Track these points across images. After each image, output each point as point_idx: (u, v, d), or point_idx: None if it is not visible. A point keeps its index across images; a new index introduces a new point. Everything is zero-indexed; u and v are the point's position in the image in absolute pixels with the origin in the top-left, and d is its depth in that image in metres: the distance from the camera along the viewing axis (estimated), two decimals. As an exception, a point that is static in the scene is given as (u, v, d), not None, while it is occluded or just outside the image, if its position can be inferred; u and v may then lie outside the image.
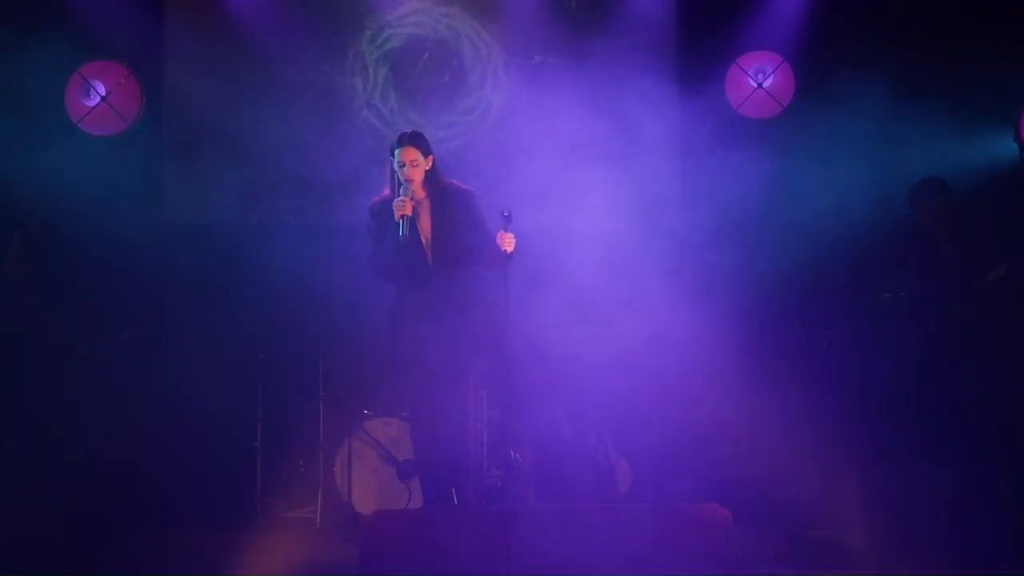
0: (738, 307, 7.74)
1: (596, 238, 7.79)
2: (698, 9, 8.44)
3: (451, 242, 6.21)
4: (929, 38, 8.22)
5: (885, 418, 7.10)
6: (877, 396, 7.18)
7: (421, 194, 6.21)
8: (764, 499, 6.91)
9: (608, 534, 5.48)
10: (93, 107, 8.02)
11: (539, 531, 5.46)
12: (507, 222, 6.17)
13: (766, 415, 7.41)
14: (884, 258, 7.33)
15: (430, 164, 6.21)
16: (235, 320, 7.72)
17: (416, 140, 6.20)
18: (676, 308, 7.43)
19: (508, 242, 6.15)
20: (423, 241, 6.21)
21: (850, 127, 8.02)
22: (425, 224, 6.22)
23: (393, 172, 6.23)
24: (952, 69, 8.13)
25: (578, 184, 7.80)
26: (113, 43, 8.02)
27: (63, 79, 7.95)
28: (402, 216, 6.08)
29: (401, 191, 6.16)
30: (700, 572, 5.38)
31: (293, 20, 8.18)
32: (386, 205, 6.22)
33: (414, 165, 6.16)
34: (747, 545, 5.99)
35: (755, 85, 8.47)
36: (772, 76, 8.45)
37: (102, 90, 8.03)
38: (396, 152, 6.18)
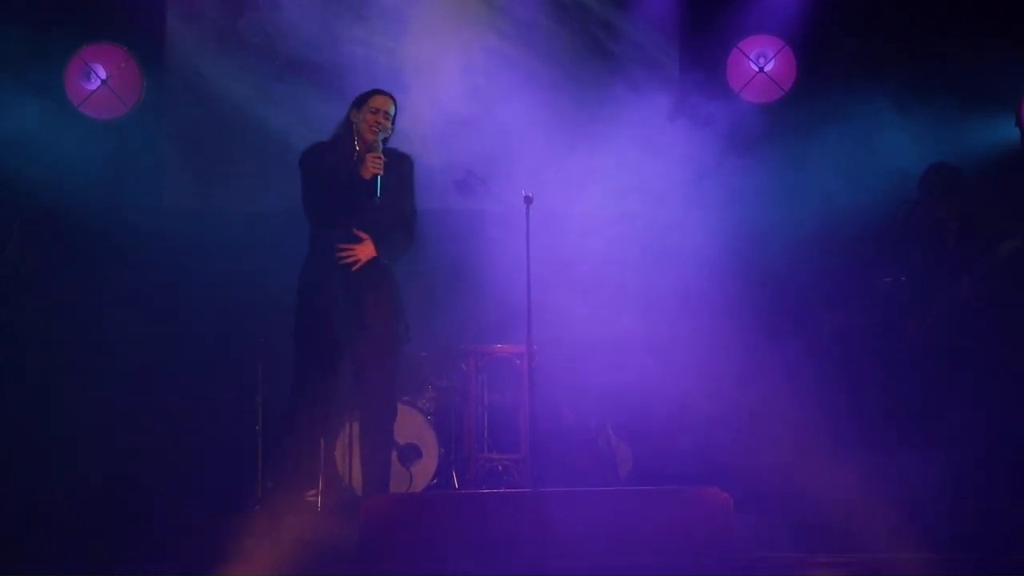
0: (739, 292, 7.74)
1: (596, 229, 7.78)
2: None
3: (386, 207, 5.95)
4: (932, 22, 8.20)
5: (887, 404, 7.10)
6: (879, 382, 7.18)
7: None
8: (765, 483, 6.91)
9: (609, 518, 5.48)
10: (94, 90, 8.01)
11: (539, 515, 5.46)
12: (528, 203, 6.11)
13: (767, 399, 7.41)
14: (890, 242, 7.32)
15: (391, 132, 6.02)
16: (236, 304, 7.71)
17: (394, 99, 6.02)
18: (678, 295, 7.44)
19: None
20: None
21: (852, 111, 8.01)
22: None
23: (350, 124, 6.02)
24: (955, 54, 8.12)
25: (577, 175, 7.78)
26: (114, 26, 8.00)
27: (64, 62, 7.93)
28: (375, 175, 5.85)
29: (373, 146, 5.89)
30: (700, 555, 5.38)
31: (296, 3, 8.16)
32: (330, 148, 6.01)
33: (387, 118, 5.97)
34: (748, 529, 5.98)
35: (757, 69, 8.45)
36: (774, 60, 8.44)
37: (102, 73, 8.02)
38: (372, 99, 5.98)
